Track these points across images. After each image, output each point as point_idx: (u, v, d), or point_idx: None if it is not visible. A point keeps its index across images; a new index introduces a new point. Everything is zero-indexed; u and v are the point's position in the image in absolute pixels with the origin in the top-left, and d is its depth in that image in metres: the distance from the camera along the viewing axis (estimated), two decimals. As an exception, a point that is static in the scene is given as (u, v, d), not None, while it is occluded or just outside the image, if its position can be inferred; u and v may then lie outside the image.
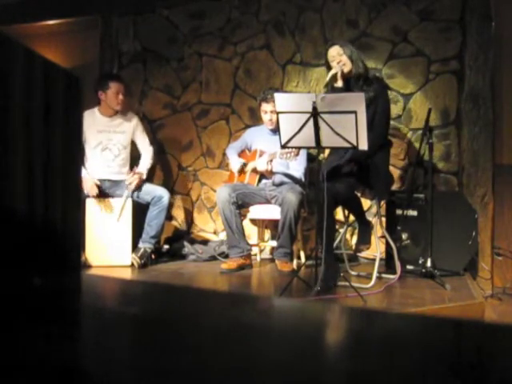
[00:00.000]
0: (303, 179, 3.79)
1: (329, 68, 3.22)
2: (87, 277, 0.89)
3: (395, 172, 3.97)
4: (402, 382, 0.43)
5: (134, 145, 4.20)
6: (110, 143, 4.02)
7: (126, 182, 3.90)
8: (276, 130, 2.97)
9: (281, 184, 3.71)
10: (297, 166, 3.76)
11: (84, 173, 3.81)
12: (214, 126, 4.70)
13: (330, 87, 3.16)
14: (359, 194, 3.34)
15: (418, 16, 4.05)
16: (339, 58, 3.16)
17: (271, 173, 3.73)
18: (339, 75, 3.12)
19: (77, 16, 4.97)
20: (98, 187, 3.83)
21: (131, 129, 4.13)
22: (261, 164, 3.72)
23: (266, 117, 3.83)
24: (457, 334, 0.57)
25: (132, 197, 3.88)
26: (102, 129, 4.01)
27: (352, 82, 3.17)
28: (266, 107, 3.79)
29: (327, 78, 3.11)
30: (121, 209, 3.81)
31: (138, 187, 3.92)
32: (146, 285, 0.96)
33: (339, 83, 3.13)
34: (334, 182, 2.95)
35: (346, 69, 3.15)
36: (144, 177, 4.01)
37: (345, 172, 3.10)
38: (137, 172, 3.96)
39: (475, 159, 3.82)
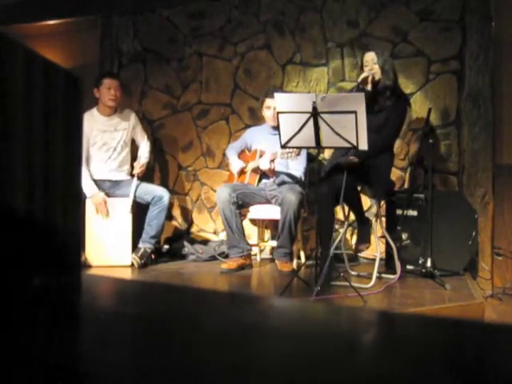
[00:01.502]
0: (303, 179, 3.79)
1: (362, 69, 3.37)
2: (87, 277, 0.89)
3: (395, 172, 3.97)
4: (401, 383, 0.43)
5: (132, 143, 4.21)
6: (112, 142, 4.03)
7: (134, 171, 4.00)
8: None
9: (282, 183, 3.71)
10: (297, 166, 3.77)
11: (93, 189, 3.83)
12: (214, 125, 4.70)
13: (361, 89, 3.25)
14: (359, 188, 3.37)
15: (418, 16, 4.05)
16: (372, 65, 3.30)
17: (273, 172, 3.73)
18: (370, 79, 3.25)
19: (77, 16, 4.97)
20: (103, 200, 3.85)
21: (130, 126, 4.15)
22: (263, 163, 3.71)
23: (269, 112, 3.82)
24: (457, 334, 0.57)
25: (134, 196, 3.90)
26: (103, 128, 4.02)
27: (379, 90, 3.27)
28: (270, 103, 3.77)
29: (358, 80, 3.27)
30: (130, 203, 3.83)
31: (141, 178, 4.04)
32: (145, 285, 0.96)
33: (368, 87, 3.26)
34: (335, 176, 2.99)
35: (377, 76, 3.28)
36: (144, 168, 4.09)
37: (346, 167, 3.12)
38: (141, 164, 4.05)
39: (475, 159, 3.82)
